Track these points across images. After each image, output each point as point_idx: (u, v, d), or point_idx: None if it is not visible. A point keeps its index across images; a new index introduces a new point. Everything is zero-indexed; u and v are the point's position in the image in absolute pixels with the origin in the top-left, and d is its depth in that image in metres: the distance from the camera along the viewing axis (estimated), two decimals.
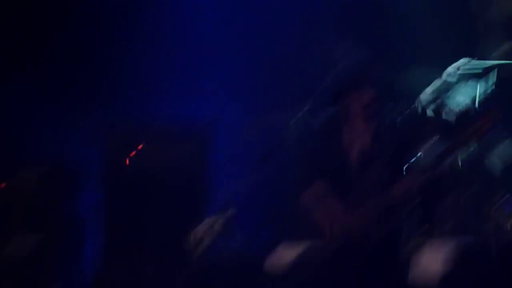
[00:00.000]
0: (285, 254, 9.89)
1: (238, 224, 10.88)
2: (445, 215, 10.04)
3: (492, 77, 10.51)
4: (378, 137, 8.89)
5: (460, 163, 9.74)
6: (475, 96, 10.39)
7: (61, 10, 13.21)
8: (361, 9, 12.48)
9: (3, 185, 11.46)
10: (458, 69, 10.59)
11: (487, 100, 10.35)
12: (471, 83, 10.52)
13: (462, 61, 10.57)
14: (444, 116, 10.42)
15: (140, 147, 11.46)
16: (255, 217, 11.65)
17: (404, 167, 8.53)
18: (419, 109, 10.42)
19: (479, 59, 10.71)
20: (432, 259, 9.33)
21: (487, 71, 10.51)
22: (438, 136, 9.72)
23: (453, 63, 10.70)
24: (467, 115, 10.28)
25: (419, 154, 8.97)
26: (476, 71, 10.60)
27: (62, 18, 13.17)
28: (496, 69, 10.53)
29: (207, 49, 13.00)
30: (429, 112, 10.46)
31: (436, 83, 10.58)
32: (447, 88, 10.54)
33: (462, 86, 10.55)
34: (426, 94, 10.57)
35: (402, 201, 8.57)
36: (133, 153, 11.33)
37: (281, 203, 11.50)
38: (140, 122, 11.63)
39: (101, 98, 12.53)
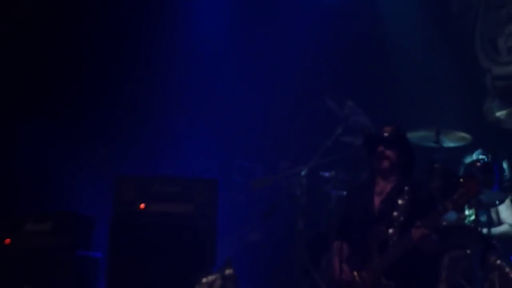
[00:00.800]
0: None
1: (242, 278, 10.69)
2: (454, 268, 10.15)
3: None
4: (399, 191, 8.75)
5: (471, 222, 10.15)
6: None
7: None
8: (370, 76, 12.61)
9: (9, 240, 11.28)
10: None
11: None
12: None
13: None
14: None
15: (142, 206, 11.21)
16: (257, 271, 11.71)
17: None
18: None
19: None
20: None
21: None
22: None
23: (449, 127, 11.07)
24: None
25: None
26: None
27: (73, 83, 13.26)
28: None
29: (211, 111, 13.14)
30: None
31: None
32: None
33: None
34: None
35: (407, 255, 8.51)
36: (142, 206, 11.11)
37: (282, 260, 11.68)
38: (146, 178, 11.42)
39: (112, 156, 12.71)
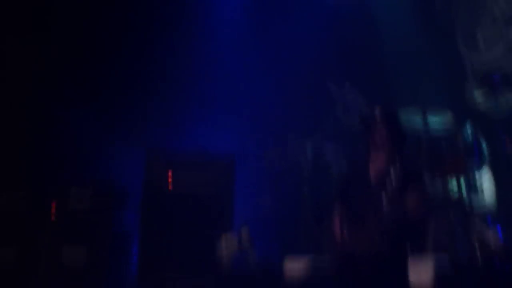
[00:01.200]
0: (296, 264, 10.31)
1: (256, 237, 11.16)
2: (438, 233, 10.54)
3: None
4: (391, 164, 8.97)
5: (454, 193, 10.61)
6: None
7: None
8: (364, 62, 12.94)
9: (53, 204, 11.70)
10: None
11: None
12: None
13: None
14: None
15: (170, 173, 11.64)
16: (269, 231, 12.10)
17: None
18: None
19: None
20: (421, 270, 9.62)
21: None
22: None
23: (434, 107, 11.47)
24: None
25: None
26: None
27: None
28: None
29: (230, 92, 13.45)
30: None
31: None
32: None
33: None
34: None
35: (401, 221, 8.89)
36: (169, 178, 11.59)
37: (291, 220, 12.09)
38: (174, 152, 11.84)
39: (142, 131, 13.02)
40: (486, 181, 11.21)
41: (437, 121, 11.50)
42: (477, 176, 10.86)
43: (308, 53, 13.19)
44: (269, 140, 12.98)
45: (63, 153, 12.87)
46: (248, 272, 10.98)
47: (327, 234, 9.45)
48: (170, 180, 11.66)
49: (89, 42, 13.64)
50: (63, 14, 13.58)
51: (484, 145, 11.33)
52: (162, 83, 13.60)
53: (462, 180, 10.72)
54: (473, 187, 10.80)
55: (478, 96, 11.75)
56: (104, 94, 13.40)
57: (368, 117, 9.30)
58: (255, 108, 13.29)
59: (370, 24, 13.34)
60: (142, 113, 13.35)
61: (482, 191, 11.12)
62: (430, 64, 12.80)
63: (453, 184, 10.83)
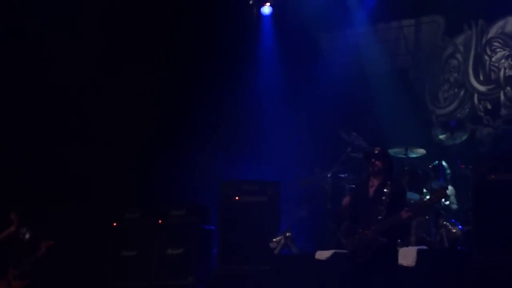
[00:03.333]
0: (323, 254, 10.73)
1: (296, 237, 11.41)
2: (418, 227, 10.69)
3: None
4: (383, 185, 8.92)
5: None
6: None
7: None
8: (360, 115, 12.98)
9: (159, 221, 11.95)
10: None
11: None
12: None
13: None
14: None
15: (237, 198, 11.70)
16: (305, 233, 12.03)
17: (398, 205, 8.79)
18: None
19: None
20: (407, 254, 10.04)
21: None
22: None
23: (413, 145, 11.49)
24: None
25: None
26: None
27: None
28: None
29: (274, 138, 13.48)
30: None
31: None
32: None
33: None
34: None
35: (394, 224, 8.87)
36: (237, 198, 11.66)
37: (319, 226, 12.01)
38: (238, 181, 11.88)
39: (217, 166, 12.93)
40: (449, 193, 11.23)
41: (415, 154, 11.57)
42: None
43: (329, 109, 13.09)
44: (302, 171, 12.89)
45: (164, 184, 12.87)
46: (292, 257, 11.23)
47: (344, 234, 9.60)
48: (237, 201, 11.72)
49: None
50: None
51: (446, 169, 11.45)
52: (228, 132, 13.54)
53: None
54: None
55: (441, 136, 11.86)
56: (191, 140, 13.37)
57: (369, 154, 9.21)
58: (292, 149, 13.17)
59: (368, 89, 13.30)
60: (214, 154, 13.20)
61: (447, 200, 11.12)
62: (409, 116, 12.88)
63: (427, 196, 10.74)
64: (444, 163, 11.45)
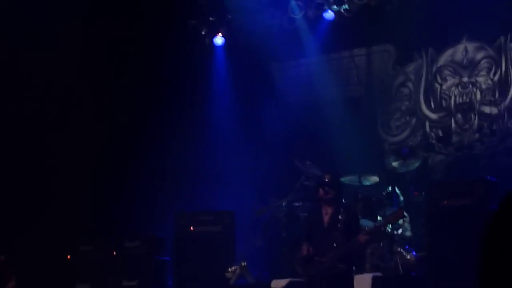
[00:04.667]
0: (280, 283, 10.76)
1: (251, 267, 11.35)
2: (373, 254, 10.78)
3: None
4: (337, 212, 9.00)
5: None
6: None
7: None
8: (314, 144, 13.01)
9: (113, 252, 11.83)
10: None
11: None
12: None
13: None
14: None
15: (192, 229, 11.60)
16: (260, 263, 11.94)
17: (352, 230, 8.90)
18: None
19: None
20: (363, 281, 10.09)
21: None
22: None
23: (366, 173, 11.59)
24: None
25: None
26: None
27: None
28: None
29: (229, 167, 13.37)
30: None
31: None
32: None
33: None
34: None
35: (351, 250, 9.06)
36: (192, 229, 11.56)
37: (275, 255, 12.02)
38: (193, 212, 11.79)
39: (171, 196, 12.90)
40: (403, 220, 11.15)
41: (368, 182, 11.67)
42: None
43: (283, 138, 13.11)
44: (257, 200, 12.83)
45: (119, 215, 12.78)
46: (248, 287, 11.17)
47: (299, 262, 9.51)
48: (192, 229, 11.62)
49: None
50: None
51: (399, 196, 11.50)
52: (183, 162, 13.42)
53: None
54: (394, 224, 10.73)
55: (394, 163, 11.89)
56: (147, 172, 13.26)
57: (321, 182, 9.29)
58: (247, 178, 13.15)
59: (321, 118, 13.33)
60: (169, 184, 13.20)
61: (400, 227, 11.16)
62: (362, 145, 12.96)
63: (380, 222, 10.72)
64: (397, 190, 11.49)
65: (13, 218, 12.66)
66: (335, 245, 8.88)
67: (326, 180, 9.22)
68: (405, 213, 10.29)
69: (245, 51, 13.91)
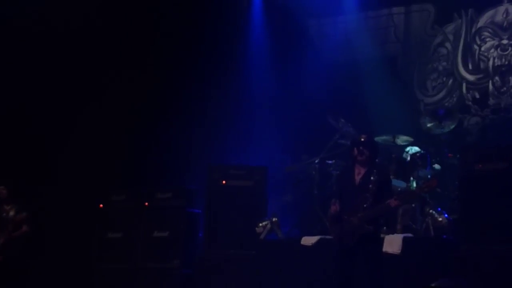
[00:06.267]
0: (309, 240, 10.69)
1: (282, 223, 11.37)
2: (405, 215, 10.63)
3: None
4: (370, 173, 8.90)
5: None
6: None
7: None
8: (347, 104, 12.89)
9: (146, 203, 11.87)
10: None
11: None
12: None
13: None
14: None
15: (224, 182, 11.60)
16: (291, 219, 12.02)
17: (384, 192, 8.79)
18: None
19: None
20: (393, 242, 10.03)
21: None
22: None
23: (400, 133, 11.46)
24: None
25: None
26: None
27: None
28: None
29: (262, 123, 13.46)
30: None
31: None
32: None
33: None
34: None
35: (381, 213, 9.00)
36: (224, 183, 11.58)
37: (306, 212, 11.95)
38: (226, 166, 11.80)
39: (204, 150, 13.11)
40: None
41: (402, 142, 11.55)
42: (429, 176, 10.82)
43: (317, 95, 13.01)
44: (289, 157, 12.85)
45: (152, 167, 12.88)
46: (278, 241, 11.18)
47: (329, 220, 9.50)
48: (224, 183, 11.66)
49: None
50: None
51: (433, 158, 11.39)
52: (217, 117, 13.50)
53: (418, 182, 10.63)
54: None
55: (429, 125, 11.79)
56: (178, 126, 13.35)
57: (356, 141, 9.18)
58: (280, 135, 13.15)
59: (357, 76, 13.26)
60: (203, 138, 13.30)
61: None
62: (397, 104, 12.86)
63: (413, 184, 10.77)
64: (431, 151, 11.42)
65: (49, 166, 12.84)
66: (365, 206, 8.85)
67: (362, 140, 9.14)
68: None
69: (282, 7, 13.85)
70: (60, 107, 13.05)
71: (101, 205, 12.03)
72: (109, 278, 11.69)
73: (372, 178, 8.93)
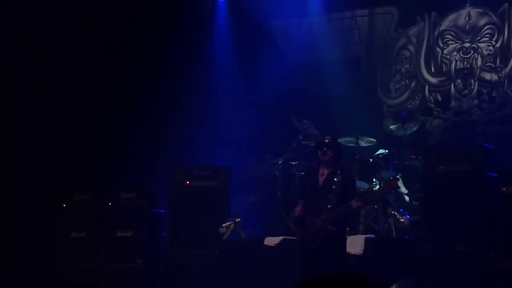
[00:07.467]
0: (272, 241, 10.74)
1: (245, 224, 11.36)
2: (367, 216, 10.72)
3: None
4: (333, 174, 9.03)
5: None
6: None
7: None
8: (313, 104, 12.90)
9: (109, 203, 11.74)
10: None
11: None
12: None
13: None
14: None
15: (187, 183, 11.55)
16: (254, 220, 11.97)
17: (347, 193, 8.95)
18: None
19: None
20: (355, 242, 10.10)
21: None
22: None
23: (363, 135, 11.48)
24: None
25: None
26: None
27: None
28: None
29: (225, 124, 13.25)
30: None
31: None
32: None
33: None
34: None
35: (343, 214, 9.15)
36: (188, 183, 11.48)
37: (269, 213, 11.95)
38: (189, 166, 11.75)
39: (169, 150, 12.89)
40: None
41: (365, 144, 11.59)
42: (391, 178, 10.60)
43: (281, 96, 12.90)
44: (253, 157, 12.82)
45: (116, 167, 12.76)
46: (241, 242, 11.17)
47: (292, 221, 9.60)
48: (188, 183, 11.58)
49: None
50: None
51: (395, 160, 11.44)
52: (181, 117, 13.38)
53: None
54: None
55: (392, 126, 11.90)
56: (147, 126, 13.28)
57: (320, 143, 9.32)
58: (244, 135, 13.07)
59: (321, 78, 13.23)
60: (167, 138, 13.19)
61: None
62: (360, 106, 12.88)
63: (376, 185, 10.82)
64: (393, 153, 11.47)
65: (11, 165, 12.70)
66: (328, 207, 8.90)
67: (326, 141, 9.21)
68: (398, 184, 10.28)
69: (247, 8, 13.78)
70: (22, 106, 12.89)
71: (64, 205, 11.92)
72: (72, 277, 11.53)
73: (335, 179, 9.01)
